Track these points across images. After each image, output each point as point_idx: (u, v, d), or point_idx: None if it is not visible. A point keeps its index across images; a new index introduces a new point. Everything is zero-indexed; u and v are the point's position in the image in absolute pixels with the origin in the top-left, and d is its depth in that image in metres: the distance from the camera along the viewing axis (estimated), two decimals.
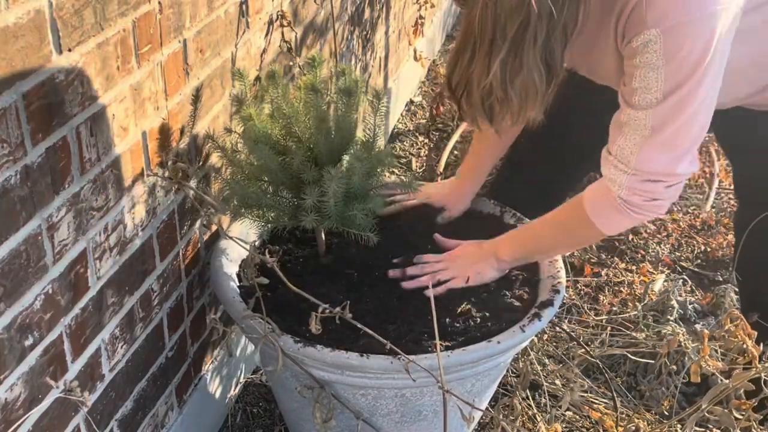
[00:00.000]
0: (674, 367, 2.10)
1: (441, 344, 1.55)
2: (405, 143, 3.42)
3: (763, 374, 1.65)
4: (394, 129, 3.52)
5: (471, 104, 1.45)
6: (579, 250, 2.79)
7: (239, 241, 1.64)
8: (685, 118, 1.44)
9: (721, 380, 1.74)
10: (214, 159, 1.73)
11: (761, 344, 1.80)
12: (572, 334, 2.29)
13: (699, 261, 2.83)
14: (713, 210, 3.12)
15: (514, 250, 1.76)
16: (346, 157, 1.56)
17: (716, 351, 2.03)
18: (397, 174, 3.14)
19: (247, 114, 1.58)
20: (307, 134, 1.60)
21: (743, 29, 1.48)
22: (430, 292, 1.57)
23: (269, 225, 1.66)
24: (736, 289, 2.48)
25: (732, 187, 3.24)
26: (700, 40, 1.37)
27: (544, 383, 2.11)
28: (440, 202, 1.97)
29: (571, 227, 1.71)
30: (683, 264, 2.81)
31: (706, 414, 1.67)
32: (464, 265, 1.75)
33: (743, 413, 1.70)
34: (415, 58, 3.57)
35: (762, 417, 1.73)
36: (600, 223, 1.61)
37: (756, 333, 1.85)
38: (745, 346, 1.75)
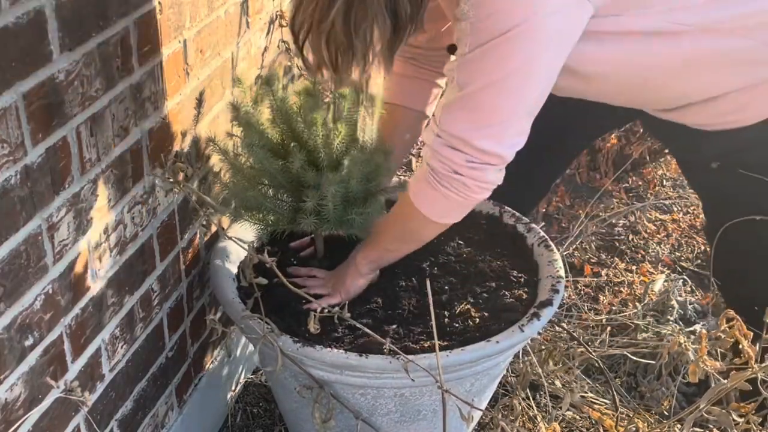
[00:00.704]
0: (674, 366, 2.11)
1: (440, 344, 1.55)
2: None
3: (760, 374, 1.65)
4: None
5: (315, 52, 1.40)
6: (579, 251, 2.80)
7: (239, 241, 1.64)
8: (489, 82, 1.38)
9: (718, 380, 1.74)
10: (214, 160, 1.73)
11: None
12: (573, 333, 2.29)
13: (699, 261, 2.83)
14: None
15: (366, 254, 1.69)
16: (346, 161, 1.56)
17: (716, 351, 2.03)
18: (397, 175, 3.14)
19: (243, 120, 1.58)
20: (307, 138, 1.60)
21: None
22: (313, 306, 1.56)
23: (269, 228, 1.67)
24: None
25: None
26: (515, 6, 1.33)
27: (545, 383, 2.11)
28: None
29: (402, 216, 1.64)
30: (683, 264, 2.81)
31: (705, 414, 1.67)
32: (332, 283, 1.72)
33: (743, 415, 1.70)
34: None
35: (762, 419, 1.73)
36: (418, 202, 1.54)
37: (752, 334, 1.85)
38: (741, 346, 1.74)
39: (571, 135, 2.01)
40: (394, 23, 1.35)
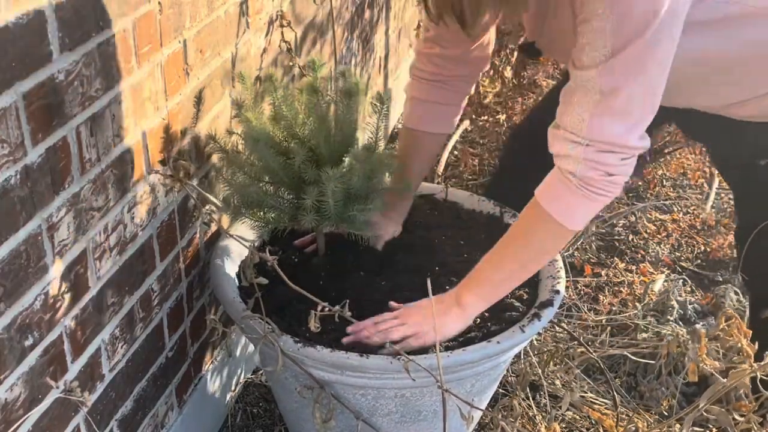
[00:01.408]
0: (674, 366, 2.11)
1: (440, 344, 1.55)
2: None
3: (759, 373, 1.65)
4: (393, 129, 3.52)
5: (438, 3, 1.37)
6: (579, 251, 2.79)
7: (240, 239, 1.63)
8: (637, 84, 1.36)
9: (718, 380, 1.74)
10: (215, 159, 1.73)
11: None
12: (573, 334, 2.29)
13: (699, 261, 2.83)
14: (713, 210, 3.12)
15: (478, 291, 1.58)
16: (347, 158, 1.56)
17: (716, 351, 2.04)
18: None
19: (246, 117, 1.58)
20: (308, 135, 1.60)
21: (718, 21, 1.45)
22: (385, 352, 1.49)
23: (270, 226, 1.66)
24: (736, 290, 2.49)
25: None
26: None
27: (545, 383, 2.11)
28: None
29: (531, 231, 1.56)
30: (683, 264, 2.81)
31: (705, 414, 1.67)
32: (420, 321, 1.55)
33: (743, 415, 1.71)
34: None
35: (762, 419, 1.73)
36: (558, 212, 1.48)
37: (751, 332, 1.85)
38: (740, 345, 1.75)
39: None
40: None
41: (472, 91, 1.86)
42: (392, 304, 1.64)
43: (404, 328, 1.55)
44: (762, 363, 1.63)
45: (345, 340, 1.56)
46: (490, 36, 1.74)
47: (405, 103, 1.88)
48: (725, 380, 1.66)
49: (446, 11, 1.37)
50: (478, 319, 1.66)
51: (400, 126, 3.53)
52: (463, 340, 1.59)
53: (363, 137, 1.62)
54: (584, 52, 1.36)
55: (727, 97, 1.70)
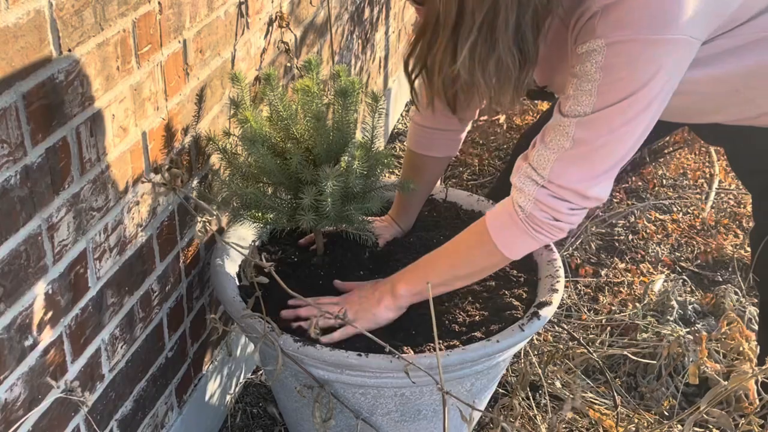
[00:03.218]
0: (674, 367, 2.11)
1: (440, 344, 1.55)
2: (405, 144, 3.42)
3: (760, 376, 1.65)
4: (393, 129, 3.52)
5: (431, 89, 1.40)
6: (579, 250, 2.80)
7: (235, 245, 1.64)
8: (609, 140, 1.39)
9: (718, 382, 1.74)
10: (214, 160, 1.73)
11: None
12: (573, 334, 2.29)
13: (699, 261, 2.84)
14: (713, 210, 3.12)
15: (411, 284, 1.61)
16: (344, 157, 1.56)
17: (717, 352, 2.04)
18: (396, 174, 3.14)
19: (243, 117, 1.58)
20: (305, 135, 1.60)
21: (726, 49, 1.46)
22: (324, 340, 1.54)
23: (268, 226, 1.66)
24: (736, 290, 2.49)
25: (731, 187, 3.25)
26: (642, 68, 1.33)
27: (545, 383, 2.11)
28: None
29: (471, 248, 1.60)
30: (683, 264, 2.81)
31: (705, 416, 1.67)
32: (359, 308, 1.61)
33: (743, 416, 1.71)
34: None
35: (763, 421, 1.73)
36: (499, 240, 1.52)
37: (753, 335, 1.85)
38: (741, 348, 1.75)
39: None
40: (522, 59, 1.34)
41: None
42: (336, 282, 1.72)
43: (334, 308, 1.59)
44: (764, 367, 1.63)
45: (283, 312, 1.62)
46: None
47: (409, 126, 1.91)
48: (726, 383, 1.66)
49: (438, 97, 1.42)
50: (478, 318, 1.66)
51: (400, 126, 3.55)
52: (463, 339, 1.60)
53: (361, 137, 1.63)
54: (568, 102, 1.40)
55: (761, 106, 1.70)
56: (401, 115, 3.63)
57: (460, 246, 1.61)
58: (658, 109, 1.39)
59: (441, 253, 1.63)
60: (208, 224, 1.71)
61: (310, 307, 1.60)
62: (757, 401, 1.69)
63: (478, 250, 1.58)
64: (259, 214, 1.64)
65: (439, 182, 2.11)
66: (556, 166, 1.42)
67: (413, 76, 1.43)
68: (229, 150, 1.67)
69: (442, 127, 1.80)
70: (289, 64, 2.10)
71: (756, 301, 2.38)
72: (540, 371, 2.14)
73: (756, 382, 1.69)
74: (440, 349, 1.53)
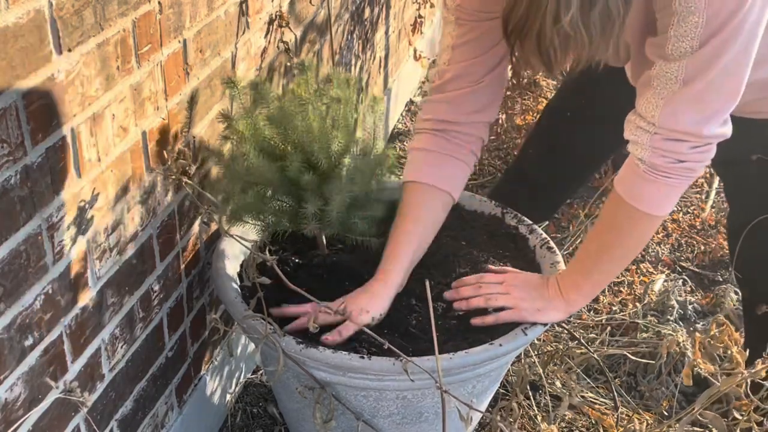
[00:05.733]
0: (673, 366, 2.11)
1: (442, 346, 1.54)
2: (405, 143, 3.42)
3: (749, 379, 1.65)
4: (394, 129, 3.52)
5: (526, 48, 1.34)
6: None
7: (240, 238, 1.63)
8: (718, 71, 1.36)
9: (714, 383, 1.74)
10: (213, 163, 1.73)
11: None
12: (574, 333, 2.29)
13: (699, 261, 2.83)
14: (713, 210, 3.12)
15: (581, 286, 1.59)
16: (345, 160, 1.56)
17: (714, 353, 2.03)
18: (396, 175, 3.14)
19: (235, 129, 1.57)
20: (303, 139, 1.59)
21: None
22: (477, 321, 1.52)
23: (269, 229, 1.66)
24: (736, 290, 2.49)
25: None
26: None
27: (545, 383, 2.11)
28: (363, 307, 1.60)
29: (616, 222, 1.55)
30: (683, 264, 2.81)
31: (699, 417, 1.68)
32: (525, 297, 1.59)
33: (743, 414, 1.70)
34: (415, 58, 3.57)
35: (762, 419, 1.73)
36: (636, 200, 1.48)
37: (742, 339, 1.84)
38: (729, 352, 1.74)
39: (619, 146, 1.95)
40: (623, 5, 1.29)
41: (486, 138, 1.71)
42: (491, 267, 1.69)
43: (505, 298, 1.58)
44: (753, 370, 1.63)
45: (446, 294, 1.62)
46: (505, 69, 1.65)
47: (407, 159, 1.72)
48: (719, 384, 1.66)
49: (534, 56, 1.36)
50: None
51: (400, 126, 3.55)
52: (465, 342, 1.59)
53: (362, 136, 1.62)
54: (670, 43, 1.37)
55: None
56: (401, 114, 3.63)
57: (603, 226, 1.58)
58: (757, 35, 1.35)
59: (592, 243, 1.59)
60: (210, 216, 1.70)
61: (471, 287, 1.62)
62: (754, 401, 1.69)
63: (625, 222, 1.53)
64: (260, 217, 1.63)
65: None
66: (665, 109, 1.40)
67: (514, 38, 1.34)
68: (228, 154, 1.66)
69: (463, 120, 1.64)
70: (289, 64, 2.10)
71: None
72: (540, 371, 2.14)
73: (755, 383, 1.68)
74: (442, 353, 1.52)
